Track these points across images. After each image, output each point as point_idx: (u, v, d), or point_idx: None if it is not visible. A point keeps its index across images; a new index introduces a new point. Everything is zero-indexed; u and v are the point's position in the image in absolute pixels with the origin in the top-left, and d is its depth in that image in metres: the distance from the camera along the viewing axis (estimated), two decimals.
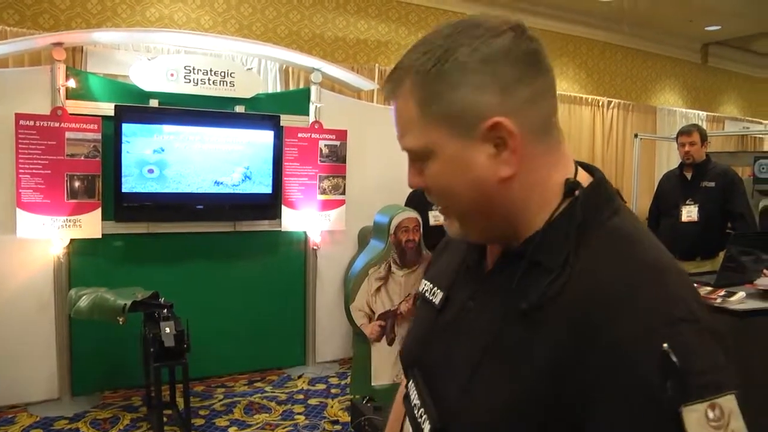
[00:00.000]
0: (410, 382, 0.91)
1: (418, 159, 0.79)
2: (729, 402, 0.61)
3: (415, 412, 0.86)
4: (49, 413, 3.82)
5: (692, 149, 4.16)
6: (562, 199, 0.77)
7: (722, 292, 2.87)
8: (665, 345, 0.61)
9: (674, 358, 0.60)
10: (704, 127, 6.62)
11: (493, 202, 0.77)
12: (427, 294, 0.97)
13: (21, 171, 3.72)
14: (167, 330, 3.34)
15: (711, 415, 0.59)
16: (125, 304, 3.38)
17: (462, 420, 0.77)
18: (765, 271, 3.27)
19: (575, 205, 0.76)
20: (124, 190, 4.01)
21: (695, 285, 0.89)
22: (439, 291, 0.93)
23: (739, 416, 0.61)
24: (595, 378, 0.64)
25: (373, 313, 4.20)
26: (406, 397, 0.92)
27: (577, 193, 0.77)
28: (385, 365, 4.25)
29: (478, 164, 0.75)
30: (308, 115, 4.74)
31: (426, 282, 1.00)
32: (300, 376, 4.61)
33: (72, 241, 3.93)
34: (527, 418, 0.69)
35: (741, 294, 2.83)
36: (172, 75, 4.16)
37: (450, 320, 0.87)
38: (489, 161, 0.75)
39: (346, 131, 4.79)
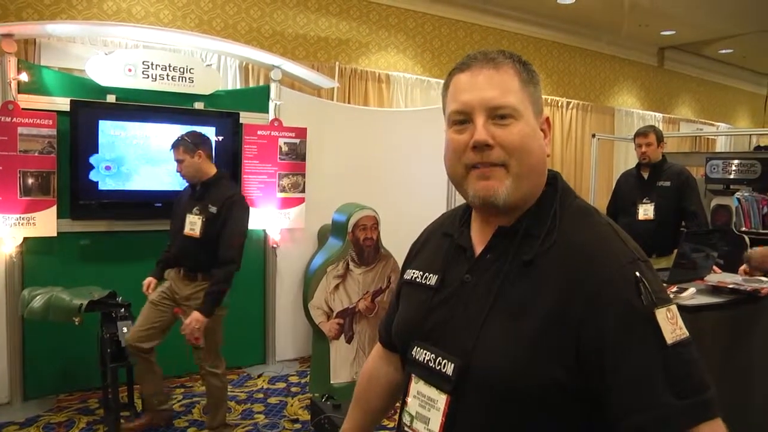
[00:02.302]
0: (414, 350, 1.09)
1: (505, 116, 1.00)
2: (674, 308, 0.93)
3: (431, 365, 1.04)
4: None
5: (648, 150, 4.24)
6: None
7: (674, 288, 2.94)
8: (637, 273, 0.92)
9: (643, 282, 0.92)
10: (660, 128, 6.77)
11: (542, 170, 1.05)
12: (418, 279, 1.16)
13: None
14: (125, 330, 3.30)
15: (668, 315, 0.92)
16: (81, 304, 3.32)
17: (480, 356, 0.97)
18: (714, 267, 3.36)
19: (556, 190, 1.06)
20: (80, 187, 3.93)
21: None
22: (432, 275, 1.13)
23: (679, 316, 0.94)
24: (591, 306, 0.91)
25: (332, 311, 4.19)
26: (411, 362, 1.10)
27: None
28: (343, 363, 4.25)
29: (541, 140, 1.05)
30: (268, 112, 4.71)
31: (413, 271, 1.19)
32: (260, 375, 4.58)
33: (25, 239, 3.83)
34: (538, 342, 0.93)
35: (692, 290, 2.90)
36: (129, 70, 4.08)
37: (449, 294, 1.08)
38: (542, 141, 1.06)
39: (305, 129, 4.77)
